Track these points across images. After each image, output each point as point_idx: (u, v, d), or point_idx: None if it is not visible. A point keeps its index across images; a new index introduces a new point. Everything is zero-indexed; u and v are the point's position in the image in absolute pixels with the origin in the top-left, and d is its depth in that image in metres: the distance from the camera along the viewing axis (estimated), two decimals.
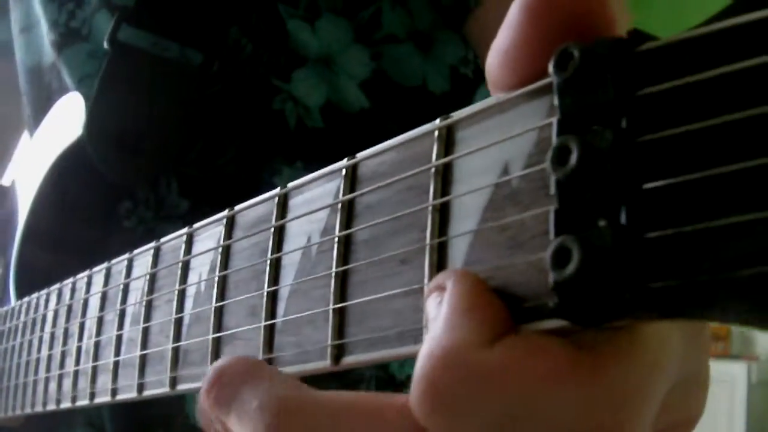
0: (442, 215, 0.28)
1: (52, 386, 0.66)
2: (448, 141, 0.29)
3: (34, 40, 0.99)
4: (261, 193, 0.44)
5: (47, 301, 0.70)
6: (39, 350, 0.70)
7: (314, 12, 0.81)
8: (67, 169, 0.84)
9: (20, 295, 0.87)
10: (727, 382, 4.10)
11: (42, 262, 0.88)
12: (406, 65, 0.84)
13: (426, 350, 0.24)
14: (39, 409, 0.69)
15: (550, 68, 0.24)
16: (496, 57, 0.27)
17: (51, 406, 0.66)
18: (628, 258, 0.22)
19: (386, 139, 0.34)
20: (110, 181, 0.81)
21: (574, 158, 0.23)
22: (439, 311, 0.25)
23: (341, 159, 0.39)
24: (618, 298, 0.22)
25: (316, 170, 0.41)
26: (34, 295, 0.74)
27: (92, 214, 0.86)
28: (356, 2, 0.81)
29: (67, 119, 0.82)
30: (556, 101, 0.24)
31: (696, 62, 0.22)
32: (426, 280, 0.28)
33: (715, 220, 0.21)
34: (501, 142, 0.27)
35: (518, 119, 0.26)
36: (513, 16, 0.26)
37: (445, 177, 0.29)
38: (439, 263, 0.28)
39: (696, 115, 0.21)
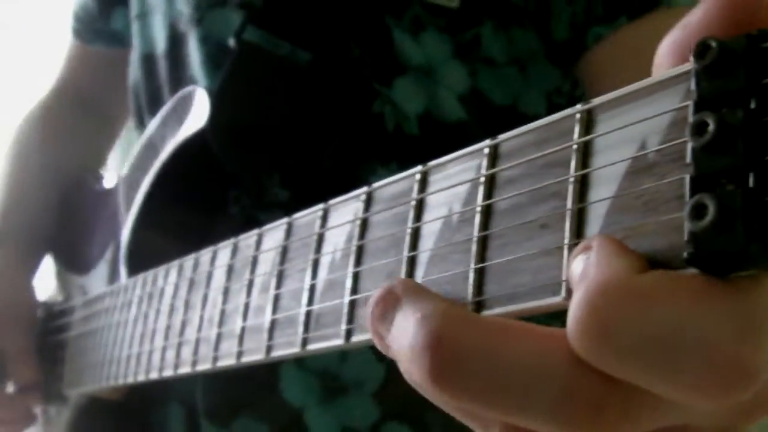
0: (582, 185, 0.33)
1: (170, 353, 0.71)
2: (588, 122, 0.34)
3: (148, 28, 1.05)
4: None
5: (166, 275, 0.75)
6: (156, 321, 0.75)
7: (418, 25, 0.86)
8: (185, 158, 0.90)
9: (131, 275, 0.93)
10: None
11: (153, 244, 0.94)
12: (500, 85, 0.88)
13: (582, 289, 0.28)
14: (154, 375, 0.74)
15: (691, 57, 0.29)
16: (675, 35, 0.32)
17: (168, 372, 0.71)
18: (755, 215, 0.26)
19: None
20: (226, 170, 0.87)
21: (711, 129, 0.27)
22: (588, 263, 0.30)
23: None
24: (746, 248, 0.26)
25: None
26: (150, 271, 0.80)
27: (203, 201, 0.92)
28: (458, 24, 0.87)
29: (186, 111, 0.88)
30: (693, 86, 0.29)
31: None
32: (566, 242, 0.33)
33: None
34: (639, 122, 0.31)
35: (655, 103, 0.31)
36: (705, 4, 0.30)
37: (585, 152, 0.33)
38: (579, 226, 0.33)
39: None
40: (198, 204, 0.93)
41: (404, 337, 0.33)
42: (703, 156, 0.28)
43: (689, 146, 0.28)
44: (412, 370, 0.32)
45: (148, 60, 1.05)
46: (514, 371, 0.30)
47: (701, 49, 0.28)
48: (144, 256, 0.94)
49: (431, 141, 0.88)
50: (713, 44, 0.28)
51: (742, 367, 0.26)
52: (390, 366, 0.89)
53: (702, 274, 0.28)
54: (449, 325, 0.31)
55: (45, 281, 1.25)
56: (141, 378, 0.77)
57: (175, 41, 0.99)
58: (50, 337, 1.10)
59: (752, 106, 0.27)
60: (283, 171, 0.90)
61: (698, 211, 0.27)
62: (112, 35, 1.21)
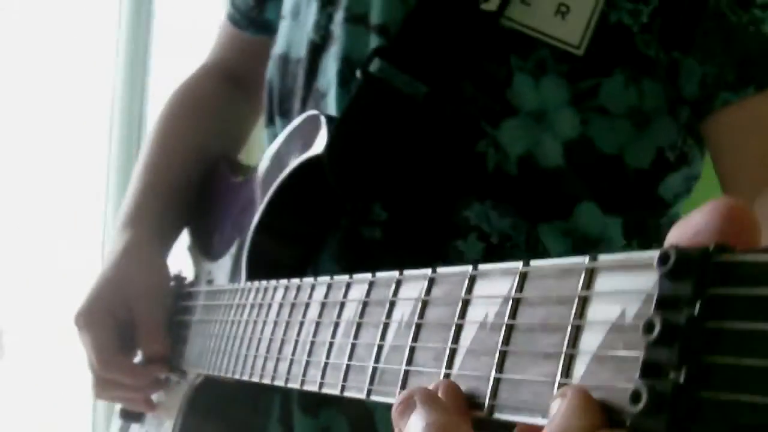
0: (578, 330, 0.40)
1: (270, 365, 0.80)
2: (591, 276, 0.40)
3: (292, 30, 1.12)
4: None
5: (275, 292, 0.84)
6: (262, 331, 0.84)
7: (541, 69, 0.91)
8: (304, 175, 0.98)
9: (250, 276, 1.02)
10: None
11: (272, 250, 1.03)
12: (610, 135, 0.93)
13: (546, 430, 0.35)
14: (255, 379, 0.83)
15: (654, 263, 0.35)
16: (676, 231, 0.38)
17: (266, 380, 0.80)
18: (680, 407, 0.32)
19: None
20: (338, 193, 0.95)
21: (657, 329, 0.34)
22: (557, 410, 0.37)
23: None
24: None
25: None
26: (263, 283, 0.88)
27: (317, 213, 1.00)
28: (580, 71, 0.91)
29: (307, 135, 0.96)
30: (657, 286, 0.35)
31: (754, 279, 0.32)
32: (558, 377, 0.40)
33: (746, 396, 0.31)
34: (624, 291, 0.38)
35: (637, 280, 0.37)
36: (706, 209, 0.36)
37: (584, 301, 0.40)
38: (569, 367, 0.40)
39: (748, 317, 0.32)
40: (312, 218, 1.01)
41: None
42: (651, 347, 0.34)
43: (643, 339, 0.35)
44: None
45: (285, 61, 1.13)
46: None
47: (662, 257, 0.35)
48: (263, 258, 1.03)
49: (528, 183, 0.93)
50: (672, 254, 0.34)
51: None
52: None
53: None
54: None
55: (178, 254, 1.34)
56: (245, 378, 0.86)
57: (313, 50, 1.06)
58: (179, 315, 1.20)
59: (695, 312, 0.33)
60: (386, 196, 0.97)
61: (635, 397, 0.34)
62: (264, 24, 1.28)
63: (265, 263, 0.96)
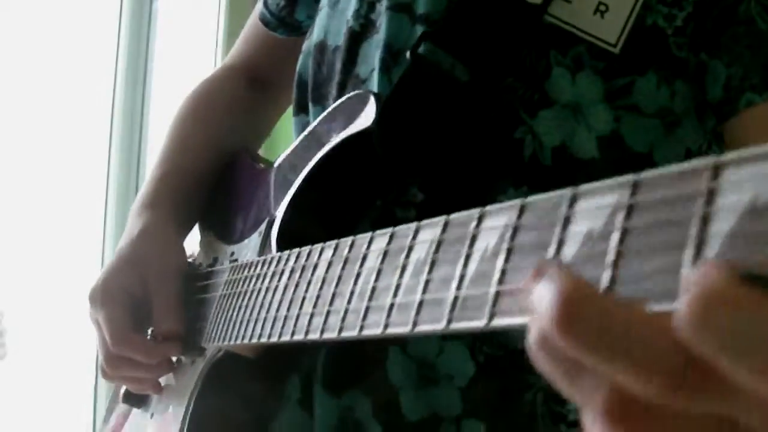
0: (704, 219, 0.42)
1: (317, 320, 0.81)
2: (716, 171, 0.43)
3: (330, 18, 1.15)
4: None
5: (321, 252, 0.86)
6: (306, 291, 0.85)
7: (578, 65, 0.95)
8: (347, 152, 1.00)
9: (280, 249, 1.03)
10: None
11: (304, 223, 1.05)
12: (641, 134, 0.96)
13: (692, 290, 0.37)
14: (299, 337, 0.84)
15: None
16: None
17: (313, 336, 0.81)
18: None
19: None
20: (381, 167, 0.97)
21: None
22: (699, 272, 0.38)
23: None
24: None
25: None
26: (305, 248, 0.90)
27: (355, 191, 1.02)
28: (615, 69, 0.95)
29: (355, 111, 0.98)
30: None
31: None
32: (684, 263, 0.42)
33: None
34: (757, 179, 0.40)
35: None
36: None
37: (710, 193, 0.42)
38: (698, 250, 0.42)
39: None
40: (349, 195, 1.03)
41: (545, 291, 0.42)
42: None
43: None
44: (543, 318, 0.41)
45: (322, 50, 1.15)
46: (621, 326, 0.39)
47: None
48: (294, 235, 1.04)
49: (562, 173, 0.96)
50: None
51: None
52: (480, 366, 0.99)
53: None
54: (581, 288, 0.41)
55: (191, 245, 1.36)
56: (285, 338, 0.87)
57: (353, 37, 1.09)
58: (196, 294, 1.21)
59: None
60: (424, 176, 1.00)
61: None
62: (294, 25, 1.32)
63: (296, 239, 0.97)
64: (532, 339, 0.44)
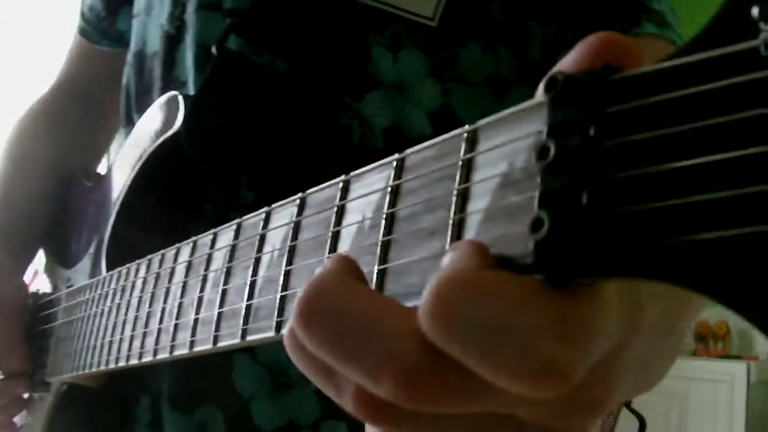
0: (463, 198, 0.37)
1: (136, 343, 0.75)
2: (473, 140, 0.38)
3: (145, 27, 1.09)
4: None
5: (137, 270, 0.80)
6: (126, 313, 0.79)
7: (398, 42, 0.90)
8: (163, 159, 0.94)
9: (110, 268, 0.97)
10: (727, 381, 4.06)
11: (132, 239, 0.98)
12: (472, 104, 0.92)
13: (435, 277, 0.32)
14: (121, 363, 0.78)
15: (540, 89, 0.33)
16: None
17: (133, 361, 0.75)
18: (584, 230, 0.30)
19: None
20: (199, 171, 0.91)
21: (552, 153, 0.31)
22: (447, 259, 0.34)
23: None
24: (573, 258, 0.30)
25: None
26: (125, 266, 0.84)
27: (180, 199, 0.96)
28: (436, 42, 0.90)
29: (165, 115, 0.92)
30: (546, 114, 0.33)
31: (647, 90, 0.30)
32: (447, 248, 0.37)
33: (652, 203, 0.29)
34: (510, 143, 0.35)
35: (524, 126, 0.35)
36: (575, 49, 0.34)
37: (468, 168, 0.37)
38: (458, 234, 0.37)
39: (646, 127, 0.30)
40: (174, 202, 0.97)
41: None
42: (547, 176, 0.31)
43: (537, 167, 0.32)
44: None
45: (141, 58, 1.09)
46: (357, 324, 0.34)
47: (550, 82, 0.32)
48: (124, 250, 0.98)
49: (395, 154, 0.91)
50: (559, 77, 0.32)
51: (555, 366, 0.30)
52: None
53: (543, 279, 0.31)
54: (330, 282, 0.36)
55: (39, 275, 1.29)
56: (111, 366, 0.81)
57: (168, 41, 1.03)
58: (37, 327, 1.14)
59: (591, 132, 0.31)
60: (250, 174, 0.94)
61: (536, 225, 0.31)
62: (118, 36, 1.25)
63: (125, 255, 0.91)
64: (284, 338, 0.39)
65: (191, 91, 0.97)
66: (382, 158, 0.90)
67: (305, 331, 0.35)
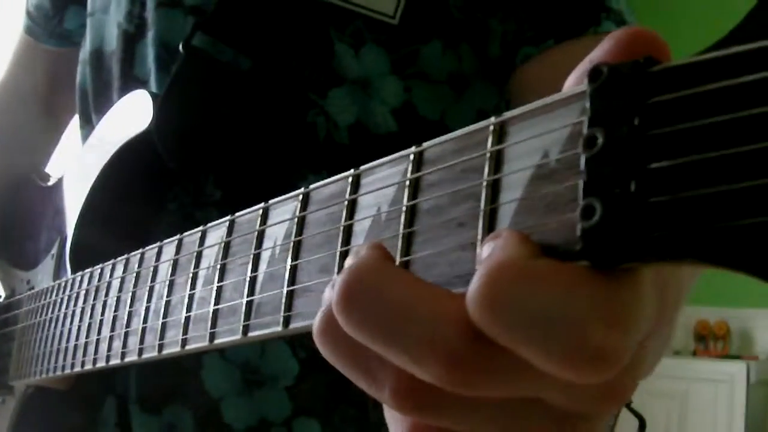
0: (494, 189, 0.38)
1: (117, 344, 0.74)
2: (501, 133, 0.38)
3: (101, 25, 1.08)
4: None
5: (113, 270, 0.79)
6: (103, 313, 0.79)
7: (359, 40, 0.90)
8: (128, 158, 0.93)
9: (76, 269, 0.96)
10: (727, 381, 4.12)
11: (97, 240, 0.97)
12: (432, 101, 0.93)
13: (484, 265, 0.33)
14: (101, 364, 0.77)
15: (585, 80, 0.33)
16: (582, 67, 0.36)
17: (114, 361, 0.74)
18: (635, 216, 0.31)
19: None
20: (167, 169, 0.91)
21: (600, 143, 0.32)
22: (493, 247, 0.34)
23: None
24: (627, 244, 0.31)
25: None
26: (97, 267, 0.83)
27: (144, 198, 0.95)
28: (397, 40, 0.90)
29: (132, 113, 0.92)
30: (587, 104, 0.33)
31: (690, 81, 0.31)
32: (479, 238, 0.37)
33: (699, 190, 0.30)
34: (543, 134, 0.36)
35: (557, 118, 0.35)
36: (606, 42, 0.35)
37: (497, 160, 0.38)
38: (491, 224, 0.37)
39: (689, 117, 0.30)
40: (139, 201, 0.96)
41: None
42: (593, 165, 0.32)
43: (582, 157, 0.33)
44: (327, 300, 0.36)
45: (98, 57, 1.08)
46: (401, 305, 0.35)
47: (594, 73, 0.33)
48: (89, 251, 0.97)
49: (361, 150, 0.92)
50: (604, 69, 0.33)
51: (605, 350, 0.31)
52: (303, 362, 0.94)
53: (590, 265, 0.32)
54: (370, 265, 0.36)
55: None
56: (88, 367, 0.81)
57: (127, 39, 1.02)
58: None
59: (636, 122, 0.32)
60: (218, 172, 0.94)
61: (588, 212, 0.31)
62: (64, 35, 1.24)
63: (91, 255, 0.90)
64: (315, 326, 0.40)
65: (153, 89, 0.97)
66: (348, 155, 0.91)
67: (346, 313, 0.35)
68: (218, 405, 0.94)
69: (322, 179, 0.51)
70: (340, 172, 0.49)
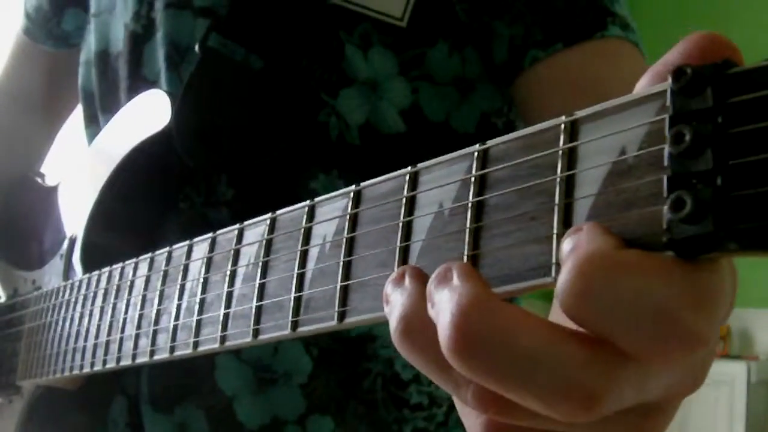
0: (568, 185, 0.39)
1: (143, 341, 0.76)
2: (572, 131, 0.40)
3: (106, 26, 1.09)
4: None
5: (136, 269, 0.80)
6: (126, 312, 0.80)
7: (367, 42, 0.92)
8: (143, 157, 0.94)
9: (87, 270, 0.97)
10: (727, 382, 4.16)
11: (108, 239, 0.98)
12: (437, 102, 0.95)
13: (572, 258, 0.34)
14: (126, 362, 0.78)
15: (669, 79, 0.35)
16: (656, 67, 0.38)
17: (142, 359, 0.75)
18: (722, 209, 0.33)
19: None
20: (182, 168, 0.92)
21: (687, 139, 0.34)
22: (578, 239, 0.36)
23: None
24: (714, 235, 0.33)
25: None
26: (117, 266, 0.84)
27: (155, 198, 0.97)
28: (405, 42, 0.92)
29: (147, 113, 0.93)
30: (668, 103, 0.35)
31: (766, 82, 0.33)
32: (554, 231, 0.39)
33: None
34: (619, 132, 0.38)
35: (633, 116, 0.37)
36: (682, 44, 0.37)
37: (570, 157, 0.40)
38: (566, 219, 0.39)
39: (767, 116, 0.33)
40: (151, 201, 0.98)
41: (443, 307, 0.37)
42: (679, 161, 0.34)
43: (666, 152, 0.35)
44: (442, 336, 0.37)
45: (104, 58, 1.09)
46: (528, 358, 0.35)
47: (677, 73, 0.35)
48: (100, 250, 0.98)
49: (371, 151, 0.93)
50: (688, 70, 0.35)
51: (695, 332, 0.33)
52: (316, 360, 0.95)
53: (674, 255, 0.34)
54: (477, 305, 0.36)
55: None
56: (110, 365, 0.81)
57: (134, 40, 1.03)
58: (2, 330, 1.13)
59: (719, 121, 0.34)
60: (231, 171, 0.95)
61: (678, 205, 0.33)
62: (62, 36, 1.25)
63: (101, 257, 0.91)
64: (393, 331, 0.41)
65: (164, 88, 0.98)
66: (359, 155, 0.92)
67: (465, 358, 0.36)
68: (231, 403, 0.95)
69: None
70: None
